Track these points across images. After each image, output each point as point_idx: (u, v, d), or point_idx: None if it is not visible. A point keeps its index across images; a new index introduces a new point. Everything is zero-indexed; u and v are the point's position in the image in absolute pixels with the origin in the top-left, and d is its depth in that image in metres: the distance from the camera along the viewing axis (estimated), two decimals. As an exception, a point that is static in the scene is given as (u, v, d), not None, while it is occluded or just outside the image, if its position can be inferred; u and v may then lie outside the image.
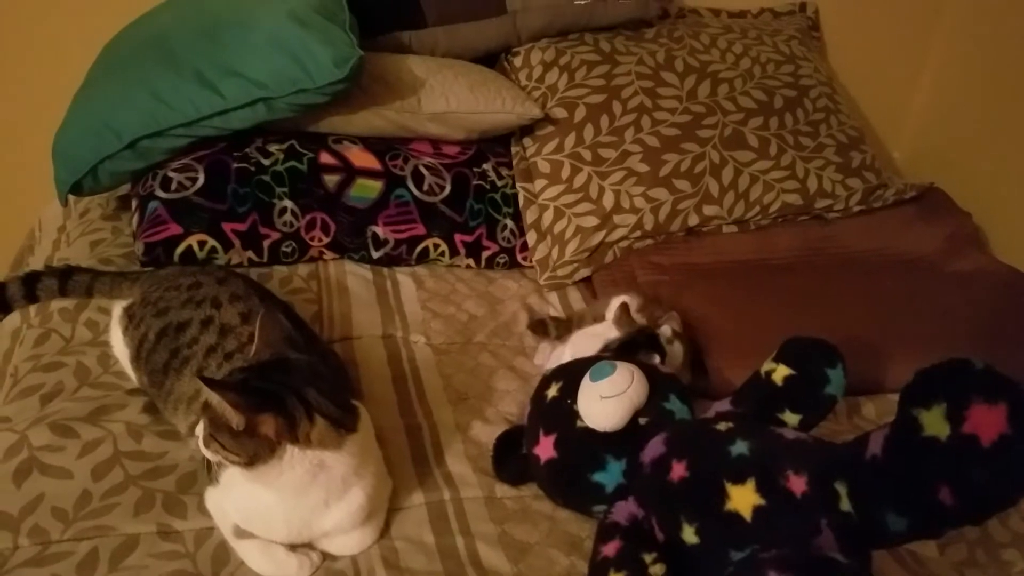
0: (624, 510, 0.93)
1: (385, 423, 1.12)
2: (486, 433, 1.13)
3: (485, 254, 1.54)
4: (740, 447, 0.89)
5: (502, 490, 1.05)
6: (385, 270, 1.50)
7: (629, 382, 0.97)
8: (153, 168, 1.40)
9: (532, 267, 1.56)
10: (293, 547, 0.92)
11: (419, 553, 0.94)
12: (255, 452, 0.84)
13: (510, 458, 1.07)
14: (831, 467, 0.86)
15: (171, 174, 1.37)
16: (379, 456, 1.00)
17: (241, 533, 0.92)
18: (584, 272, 1.55)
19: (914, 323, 1.46)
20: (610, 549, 0.89)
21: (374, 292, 1.43)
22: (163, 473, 0.99)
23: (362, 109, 1.49)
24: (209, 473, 0.96)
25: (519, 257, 1.57)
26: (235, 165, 1.40)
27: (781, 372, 1.01)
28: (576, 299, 1.53)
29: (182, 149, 1.39)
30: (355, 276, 1.46)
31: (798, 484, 0.84)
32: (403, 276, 1.49)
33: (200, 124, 1.36)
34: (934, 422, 0.76)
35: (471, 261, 1.54)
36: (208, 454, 0.86)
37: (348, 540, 0.94)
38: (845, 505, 0.83)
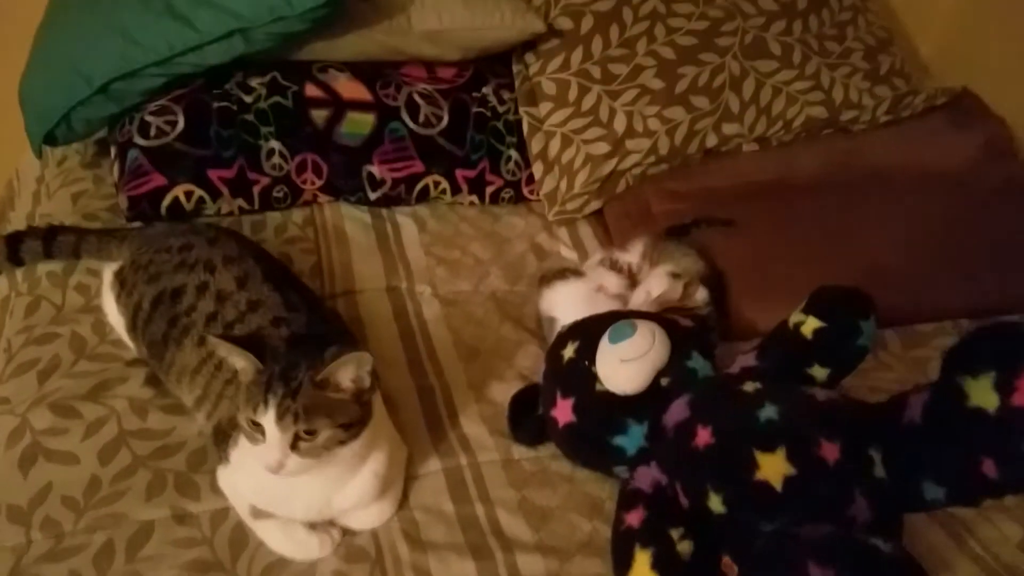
0: (647, 476, 0.91)
1: (396, 385, 1.09)
2: (500, 391, 1.10)
3: (489, 190, 1.46)
4: (769, 411, 0.85)
5: (519, 452, 1.03)
6: (384, 212, 1.42)
7: (651, 343, 0.92)
8: (129, 111, 1.30)
9: (539, 200, 1.48)
10: (312, 525, 0.90)
11: (439, 524, 0.92)
12: (362, 419, 0.83)
13: (526, 419, 1.03)
14: (866, 432, 0.83)
15: (149, 118, 1.28)
16: (390, 423, 0.97)
17: (258, 513, 0.89)
18: (595, 205, 1.48)
19: (941, 248, 1.39)
20: (634, 519, 0.86)
21: (374, 238, 1.36)
22: (172, 451, 0.96)
23: (347, 33, 1.37)
24: (219, 449, 0.93)
25: (525, 191, 1.49)
26: (216, 104, 1.31)
27: (811, 325, 0.95)
28: (587, 234, 1.46)
29: (158, 89, 1.29)
30: (353, 220, 1.38)
31: (831, 452, 0.81)
32: (404, 218, 1.41)
33: (175, 62, 1.25)
34: (981, 392, 0.72)
35: (474, 198, 1.46)
36: (296, 463, 0.79)
37: (367, 514, 0.92)
38: (879, 472, 0.81)
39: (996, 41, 1.87)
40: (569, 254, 1.42)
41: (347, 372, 0.81)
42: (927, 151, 1.62)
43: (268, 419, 0.78)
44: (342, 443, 0.82)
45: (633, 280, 1.24)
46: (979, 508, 1.00)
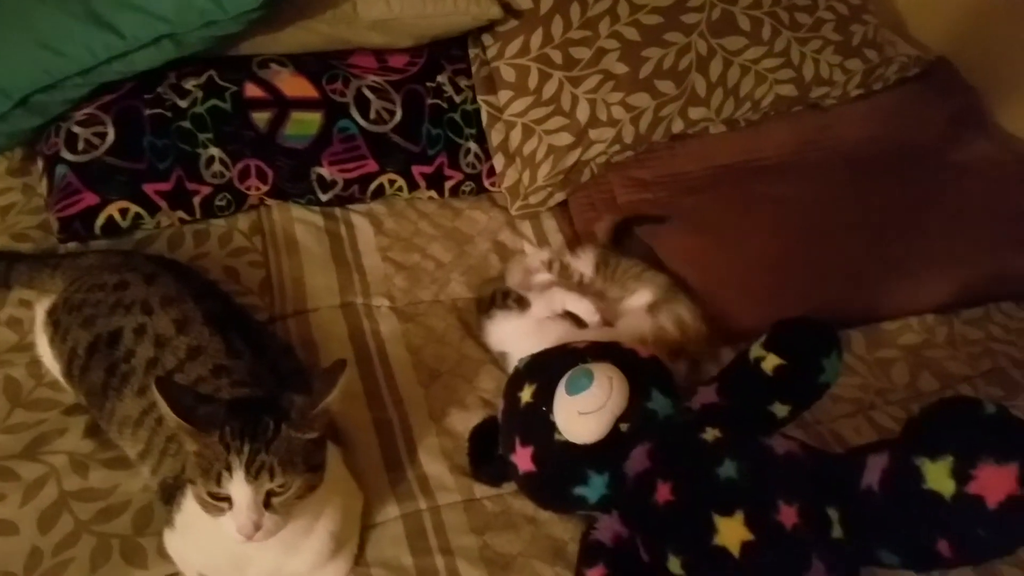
0: (609, 528, 0.89)
1: (352, 419, 1.05)
2: (462, 421, 1.07)
3: (448, 184, 1.39)
4: (728, 469, 0.83)
5: (481, 490, 1.00)
6: (338, 211, 1.35)
7: (608, 393, 0.89)
8: (55, 121, 1.21)
9: (501, 192, 1.42)
10: (265, 591, 0.88)
11: (397, 582, 0.91)
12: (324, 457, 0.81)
13: (487, 458, 1.01)
14: (824, 492, 0.81)
15: (76, 129, 1.19)
16: (345, 470, 0.94)
17: (208, 582, 0.87)
18: (559, 197, 1.42)
19: (911, 237, 1.37)
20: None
21: (327, 244, 1.29)
22: (116, 512, 0.93)
23: (289, 25, 1.27)
24: (166, 505, 0.90)
25: (486, 183, 1.42)
26: (148, 112, 1.21)
27: (771, 361, 0.92)
28: (551, 228, 1.41)
29: (84, 98, 1.20)
30: (304, 224, 1.31)
31: (789, 516, 0.80)
32: (359, 217, 1.35)
33: (99, 70, 1.16)
34: (938, 476, 0.71)
35: (433, 193, 1.39)
36: (272, 523, 0.76)
37: (322, 575, 0.90)
38: (837, 532, 0.80)
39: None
40: (533, 252, 1.37)
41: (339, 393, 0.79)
42: (899, 125, 1.57)
43: (237, 483, 0.74)
44: (312, 488, 0.79)
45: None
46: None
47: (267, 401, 0.81)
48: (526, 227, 1.41)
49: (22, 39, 1.13)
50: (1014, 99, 1.64)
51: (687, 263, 1.28)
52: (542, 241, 1.39)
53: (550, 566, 0.93)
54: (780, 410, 0.93)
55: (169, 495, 0.89)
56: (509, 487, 1.01)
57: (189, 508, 0.85)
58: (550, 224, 1.42)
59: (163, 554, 0.89)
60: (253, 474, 0.74)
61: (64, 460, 0.96)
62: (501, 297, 1.15)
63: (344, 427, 1.02)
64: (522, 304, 1.13)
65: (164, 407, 0.75)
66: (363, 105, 1.31)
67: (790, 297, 1.24)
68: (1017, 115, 1.63)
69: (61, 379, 1.02)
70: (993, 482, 0.67)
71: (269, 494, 0.76)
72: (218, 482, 0.74)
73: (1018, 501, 0.67)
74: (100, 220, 1.19)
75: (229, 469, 0.74)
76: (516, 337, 1.11)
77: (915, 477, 0.71)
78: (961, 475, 0.69)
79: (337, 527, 0.88)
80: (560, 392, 0.91)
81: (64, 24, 1.12)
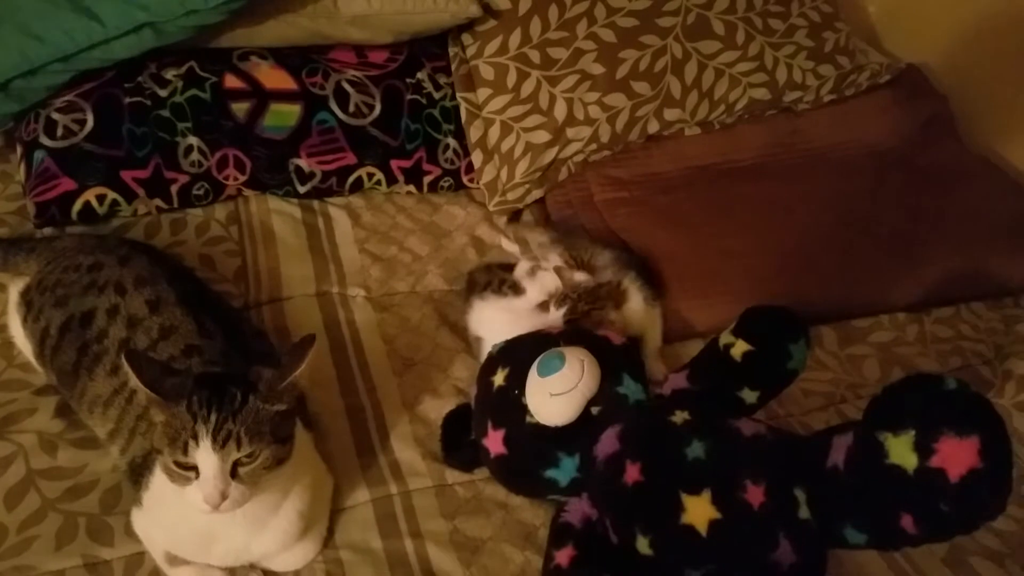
0: (578, 510, 0.90)
1: (325, 406, 1.05)
2: (435, 408, 1.07)
3: (427, 179, 1.40)
4: (696, 449, 0.84)
5: (453, 476, 1.00)
6: (315, 203, 1.36)
7: (579, 375, 0.90)
8: (34, 108, 1.21)
9: (480, 188, 1.43)
10: (231, 570, 0.87)
11: (366, 564, 0.90)
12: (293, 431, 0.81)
13: (459, 444, 1.01)
14: (790, 472, 0.82)
15: (55, 116, 1.19)
16: (315, 453, 0.94)
17: (174, 560, 0.87)
18: (537, 194, 1.43)
19: (882, 237, 1.39)
20: (563, 557, 0.86)
21: (304, 235, 1.30)
22: (83, 491, 0.92)
23: (269, 18, 1.29)
24: (134, 485, 0.89)
25: (465, 179, 1.43)
26: (128, 100, 1.22)
27: (740, 348, 0.94)
28: (528, 224, 1.42)
29: (64, 84, 1.20)
30: (281, 216, 1.32)
31: (756, 495, 0.80)
32: (336, 210, 1.35)
33: (79, 57, 1.16)
34: (901, 451, 0.72)
35: (411, 187, 1.40)
36: (238, 492, 0.76)
37: (290, 556, 0.89)
38: (804, 512, 0.81)
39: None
40: (510, 247, 1.38)
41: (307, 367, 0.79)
42: (871, 130, 1.61)
43: (203, 451, 0.74)
44: (280, 461, 0.79)
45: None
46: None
47: (235, 375, 0.81)
48: (503, 223, 1.41)
49: (2, 24, 1.13)
50: (981, 108, 1.68)
51: (662, 259, 1.30)
52: (519, 238, 1.39)
53: (520, 551, 0.93)
54: (749, 396, 0.94)
55: (138, 475, 0.89)
56: (481, 473, 1.01)
57: (157, 486, 0.84)
58: (527, 220, 1.43)
59: (130, 533, 0.88)
60: (220, 443, 0.74)
61: (33, 439, 0.95)
62: (498, 283, 1.15)
63: (316, 413, 1.03)
64: (517, 290, 1.13)
65: (132, 378, 0.74)
66: (342, 98, 1.32)
67: (762, 294, 1.24)
68: (984, 123, 1.67)
69: (33, 360, 1.02)
70: (954, 455, 0.68)
71: (236, 464, 0.76)
72: (184, 451, 0.74)
73: (979, 474, 0.68)
74: (77, 206, 1.18)
75: (196, 438, 0.74)
76: (496, 323, 1.11)
77: (878, 452, 0.72)
78: (923, 449, 0.70)
79: (305, 506, 0.87)
80: (532, 374, 0.91)
81: (44, 10, 1.13)
